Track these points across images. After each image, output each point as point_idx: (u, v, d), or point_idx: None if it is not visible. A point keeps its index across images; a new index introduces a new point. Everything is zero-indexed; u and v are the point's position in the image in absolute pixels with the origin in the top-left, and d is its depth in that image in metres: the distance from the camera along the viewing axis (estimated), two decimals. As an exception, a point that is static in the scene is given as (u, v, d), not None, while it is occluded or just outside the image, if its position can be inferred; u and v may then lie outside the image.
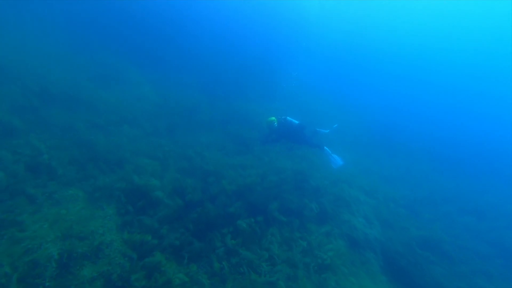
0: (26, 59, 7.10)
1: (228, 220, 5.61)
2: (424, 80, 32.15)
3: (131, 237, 4.55)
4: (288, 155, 8.68)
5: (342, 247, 4.83)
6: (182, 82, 11.29)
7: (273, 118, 7.21)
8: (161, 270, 4.12)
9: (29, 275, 3.18)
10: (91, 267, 3.78)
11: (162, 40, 14.65)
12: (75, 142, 5.99)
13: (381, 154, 12.04)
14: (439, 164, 13.17)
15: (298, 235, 5.41)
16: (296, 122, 7.24)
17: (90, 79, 8.21)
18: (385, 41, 36.61)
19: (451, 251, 6.70)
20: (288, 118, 7.30)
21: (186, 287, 4.05)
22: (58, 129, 5.96)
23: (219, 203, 5.94)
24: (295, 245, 5.14)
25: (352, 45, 34.07)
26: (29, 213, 4.05)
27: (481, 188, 11.68)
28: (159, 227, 4.94)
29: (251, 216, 5.71)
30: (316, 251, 4.79)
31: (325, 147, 7.48)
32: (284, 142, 7.62)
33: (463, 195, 10.22)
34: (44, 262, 3.39)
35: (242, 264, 4.68)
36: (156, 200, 5.46)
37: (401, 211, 7.14)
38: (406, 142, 14.54)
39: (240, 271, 4.57)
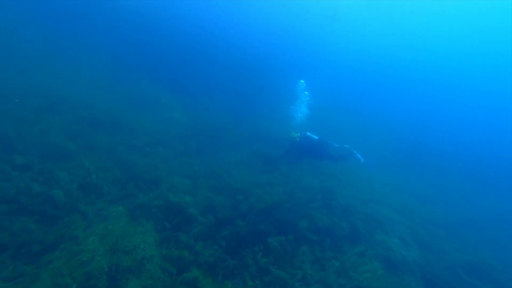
0: (78, 90, 8.10)
1: (258, 237, 5.68)
2: (458, 93, 30.67)
3: (169, 252, 4.78)
4: (315, 173, 8.69)
5: (379, 269, 4.67)
6: (210, 105, 12.01)
7: (295, 133, 7.42)
8: (197, 286, 4.26)
9: (85, 286, 3.48)
10: (136, 281, 4.02)
11: (190, 68, 16.05)
12: (117, 163, 6.54)
13: (411, 172, 11.55)
14: (478, 182, 12.27)
15: (330, 254, 5.32)
16: (316, 137, 7.39)
17: (130, 105, 9.08)
18: (415, 52, 35.60)
19: (505, 280, 6.08)
20: (307, 133, 7.48)
21: (222, 304, 4.13)
22: (103, 151, 6.58)
23: (249, 221, 6.07)
24: (327, 265, 5.06)
25: (376, 57, 33.63)
26: (82, 228, 4.46)
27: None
28: (194, 243, 5.13)
29: (281, 234, 5.75)
30: (351, 272, 4.68)
31: (354, 151, 7.50)
32: (305, 158, 7.71)
33: (509, 218, 9.36)
34: (97, 274, 3.70)
35: (275, 283, 4.69)
36: (190, 217, 5.72)
37: (440, 233, 6.73)
38: (439, 159, 13.80)
39: (273, 290, 4.57)
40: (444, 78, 33.33)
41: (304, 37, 30.62)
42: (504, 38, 32.93)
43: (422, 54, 35.71)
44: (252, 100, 13.97)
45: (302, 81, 10.96)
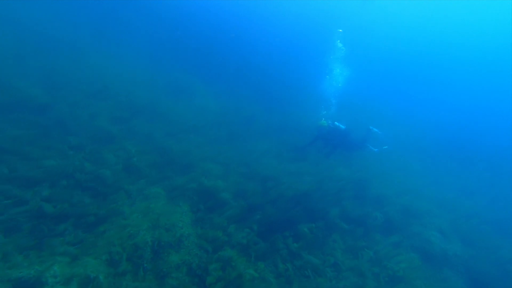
0: (120, 78, 8.68)
1: (289, 223, 5.75)
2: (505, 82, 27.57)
3: (204, 232, 5.03)
4: (346, 163, 8.49)
5: (415, 260, 4.51)
6: (241, 93, 12.17)
7: (324, 122, 7.32)
8: (232, 264, 4.46)
9: (133, 255, 3.81)
10: (176, 255, 4.31)
11: (223, 57, 16.49)
12: (154, 147, 6.93)
13: (454, 165, 10.77)
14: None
15: (362, 243, 5.24)
16: (343, 127, 7.28)
17: (165, 93, 9.53)
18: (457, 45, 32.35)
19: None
20: (336, 123, 7.37)
21: (255, 282, 4.29)
22: (142, 136, 7.00)
23: (279, 207, 6.15)
24: (360, 253, 5.00)
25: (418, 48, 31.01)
26: (127, 205, 4.84)
27: None
28: (227, 225, 5.34)
29: (311, 221, 5.77)
30: (385, 261, 4.57)
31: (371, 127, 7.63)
32: (332, 147, 7.65)
33: None
34: (142, 246, 4.03)
35: (306, 267, 4.75)
36: (223, 201, 5.93)
37: (486, 229, 6.27)
38: (486, 152, 12.66)
39: (304, 274, 4.64)
40: (495, 68, 30.03)
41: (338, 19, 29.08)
42: None
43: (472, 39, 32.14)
44: (282, 89, 13.92)
45: (340, 30, 10.52)
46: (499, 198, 8.55)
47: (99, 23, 13.73)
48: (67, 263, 3.31)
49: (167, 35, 15.70)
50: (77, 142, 5.43)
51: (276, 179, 7.07)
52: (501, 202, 8.33)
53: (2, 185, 3.83)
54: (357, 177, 7.70)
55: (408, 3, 29.26)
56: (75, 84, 7.21)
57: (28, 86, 6.23)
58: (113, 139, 6.17)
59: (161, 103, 8.60)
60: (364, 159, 8.95)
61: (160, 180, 6.06)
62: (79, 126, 5.85)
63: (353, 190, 7.10)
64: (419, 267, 4.39)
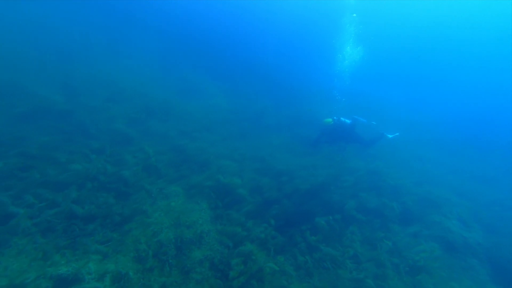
0: (133, 81, 8.93)
1: (305, 217, 5.81)
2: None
3: (223, 228, 5.17)
4: (360, 155, 8.42)
5: (436, 249, 4.48)
6: (250, 90, 12.21)
7: (329, 119, 7.29)
8: (252, 258, 4.58)
9: (158, 252, 3.99)
10: (198, 251, 4.47)
11: (231, 54, 16.63)
12: (170, 147, 7.11)
13: (471, 153, 10.46)
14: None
15: (381, 234, 5.24)
16: (348, 121, 7.21)
17: (177, 93, 9.72)
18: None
19: None
20: (341, 118, 7.32)
21: (276, 276, 4.40)
22: (158, 136, 7.20)
23: (295, 201, 6.21)
24: (379, 244, 5.01)
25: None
26: (149, 204, 5.03)
27: None
28: (245, 221, 5.46)
29: (328, 214, 5.80)
30: (405, 252, 4.57)
31: (384, 133, 7.69)
32: (339, 142, 7.65)
33: None
34: (166, 243, 4.20)
35: (325, 259, 4.81)
36: (240, 197, 6.04)
37: (508, 215, 6.11)
38: (503, 142, 12.21)
39: (324, 266, 4.71)
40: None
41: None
42: None
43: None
44: (293, 83, 13.87)
45: (354, 15, 10.42)
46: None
47: (110, 26, 14.12)
48: (99, 261, 3.52)
49: (176, 37, 16.02)
50: (98, 145, 5.67)
51: (290, 173, 7.12)
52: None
53: (36, 189, 4.08)
54: (372, 168, 7.64)
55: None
56: (92, 89, 7.49)
57: (50, 93, 6.53)
58: (131, 141, 6.38)
59: (174, 103, 8.79)
60: (379, 150, 8.85)
61: (178, 179, 6.24)
62: (99, 130, 6.10)
63: (369, 181, 7.07)
64: (441, 257, 4.36)
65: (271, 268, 4.44)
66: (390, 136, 7.73)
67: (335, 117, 7.32)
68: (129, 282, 3.47)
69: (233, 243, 4.78)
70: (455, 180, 7.24)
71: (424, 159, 8.77)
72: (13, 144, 4.87)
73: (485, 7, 27.34)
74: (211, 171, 6.66)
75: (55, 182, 4.40)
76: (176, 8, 18.81)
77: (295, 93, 12.94)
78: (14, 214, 3.68)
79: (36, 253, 3.29)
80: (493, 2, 26.23)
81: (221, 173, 6.60)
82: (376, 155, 8.63)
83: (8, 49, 8.31)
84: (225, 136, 8.77)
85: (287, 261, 4.80)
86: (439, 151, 10.30)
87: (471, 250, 4.60)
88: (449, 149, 10.38)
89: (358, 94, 14.74)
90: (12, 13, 10.73)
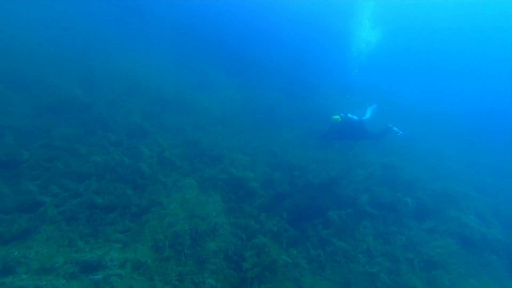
0: (149, 76, 9.11)
1: (317, 211, 5.82)
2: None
3: (237, 221, 5.26)
4: (374, 149, 8.29)
5: (452, 245, 4.41)
6: (263, 83, 12.19)
7: (337, 116, 7.16)
8: (266, 250, 4.66)
9: (175, 242, 4.13)
10: (212, 243, 4.58)
11: (245, 48, 16.62)
12: (184, 140, 7.23)
13: (490, 146, 10.07)
14: None
15: (394, 229, 5.20)
16: (356, 118, 7.06)
17: (191, 86, 9.84)
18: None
19: None
20: (348, 115, 7.18)
21: (289, 268, 4.47)
22: (172, 130, 7.34)
23: (307, 195, 6.22)
24: (392, 239, 4.97)
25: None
26: (164, 196, 5.18)
27: None
28: (258, 214, 5.53)
29: (340, 208, 5.79)
30: (420, 247, 4.52)
31: (389, 125, 7.50)
32: (348, 139, 7.53)
33: None
34: (182, 234, 4.33)
35: (338, 253, 4.83)
36: (252, 190, 6.10)
37: (529, 212, 5.90)
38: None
39: (336, 259, 4.73)
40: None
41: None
42: None
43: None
44: (305, 76, 13.72)
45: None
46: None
47: (126, 22, 14.38)
48: (119, 249, 3.68)
49: (190, 31, 16.14)
50: (116, 138, 5.85)
51: (302, 167, 7.12)
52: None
53: (60, 180, 4.29)
54: (386, 162, 7.52)
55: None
56: (110, 83, 7.70)
57: (71, 87, 6.78)
58: (147, 134, 6.54)
59: (188, 97, 8.91)
60: (394, 144, 8.67)
61: (192, 171, 6.36)
62: (116, 123, 6.28)
63: (383, 176, 6.97)
64: (458, 252, 4.29)
65: (284, 260, 4.51)
66: (400, 132, 7.54)
67: (342, 114, 7.20)
68: (148, 270, 3.63)
69: (246, 236, 4.87)
70: (473, 174, 7.02)
71: (441, 153, 8.53)
72: (39, 135, 5.12)
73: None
74: (224, 165, 6.74)
75: (77, 173, 4.60)
76: (190, 4, 18.89)
77: (309, 86, 12.80)
78: (42, 203, 3.89)
79: (62, 240, 3.49)
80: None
81: (234, 167, 6.67)
82: (391, 149, 8.47)
83: (32, 46, 8.63)
84: (238, 130, 8.82)
85: (300, 254, 4.85)
86: (457, 145, 9.98)
87: (489, 246, 4.49)
88: (467, 142, 10.03)
89: (372, 86, 14.41)
90: (35, 12, 11.09)
